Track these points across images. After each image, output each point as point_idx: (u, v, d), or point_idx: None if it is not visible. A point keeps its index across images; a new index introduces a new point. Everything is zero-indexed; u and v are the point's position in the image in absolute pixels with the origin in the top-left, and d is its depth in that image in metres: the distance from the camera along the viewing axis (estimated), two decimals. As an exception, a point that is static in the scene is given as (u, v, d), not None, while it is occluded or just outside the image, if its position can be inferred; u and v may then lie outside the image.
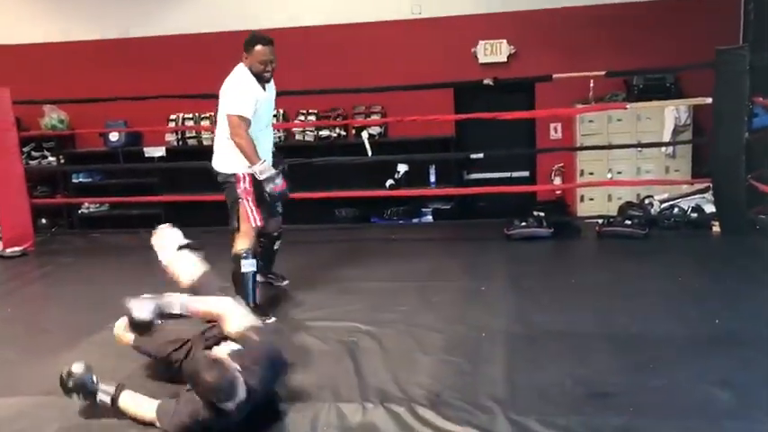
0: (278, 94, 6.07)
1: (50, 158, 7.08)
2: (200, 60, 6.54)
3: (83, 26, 6.98)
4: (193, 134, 6.83)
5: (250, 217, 3.70)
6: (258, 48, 3.60)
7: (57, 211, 7.07)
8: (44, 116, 6.93)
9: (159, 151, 6.81)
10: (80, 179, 7.06)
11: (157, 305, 2.72)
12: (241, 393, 2.41)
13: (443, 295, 4.03)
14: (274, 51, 3.64)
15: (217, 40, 6.57)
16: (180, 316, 2.77)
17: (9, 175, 5.28)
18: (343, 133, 6.74)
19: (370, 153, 6.53)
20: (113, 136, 6.88)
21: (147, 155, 6.83)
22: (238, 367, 2.43)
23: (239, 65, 3.67)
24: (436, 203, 6.77)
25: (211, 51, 6.55)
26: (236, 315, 2.69)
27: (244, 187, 3.68)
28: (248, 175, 3.65)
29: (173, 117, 6.84)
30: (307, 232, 5.74)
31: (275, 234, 4.15)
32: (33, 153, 7.09)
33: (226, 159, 3.72)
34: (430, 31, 6.66)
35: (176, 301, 2.76)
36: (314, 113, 6.71)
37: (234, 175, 3.69)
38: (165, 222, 3.33)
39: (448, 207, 6.72)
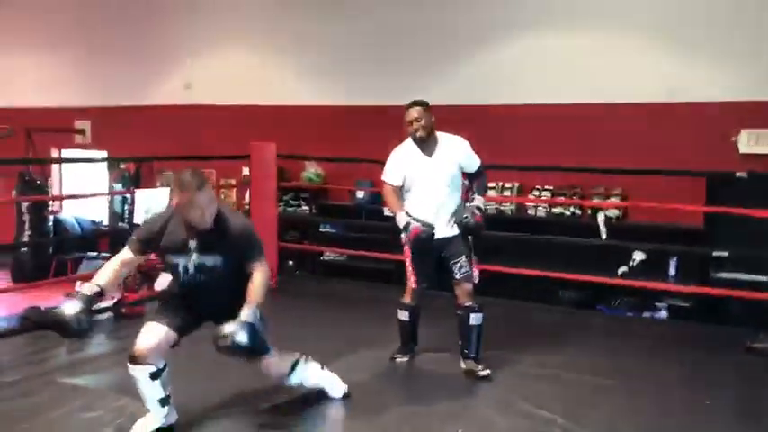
0: (514, 168, 6.18)
1: (304, 207, 7.84)
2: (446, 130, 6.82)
3: (345, 92, 7.72)
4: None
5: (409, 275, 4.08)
6: (406, 111, 3.91)
7: (302, 256, 7.77)
8: (305, 170, 7.74)
9: (397, 212, 7.16)
10: (326, 229, 7.71)
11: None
12: None
13: (654, 402, 3.67)
14: (421, 111, 3.88)
15: (453, 112, 6.85)
16: None
17: (264, 218, 5.95)
18: (577, 212, 6.54)
19: (604, 236, 6.25)
20: (360, 193, 7.43)
21: (385, 213, 7.24)
22: None
23: None
24: (674, 300, 6.20)
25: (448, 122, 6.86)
26: None
27: (405, 241, 3.96)
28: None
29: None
30: (524, 309, 5.62)
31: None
32: (291, 201, 7.92)
33: None
34: (685, 115, 6.25)
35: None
36: (549, 190, 6.63)
37: None
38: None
39: (687, 305, 6.12)
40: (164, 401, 3.12)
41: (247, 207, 6.81)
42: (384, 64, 7.52)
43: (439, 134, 3.98)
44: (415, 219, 3.85)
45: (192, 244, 3.06)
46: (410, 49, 7.38)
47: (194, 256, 3.08)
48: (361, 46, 7.65)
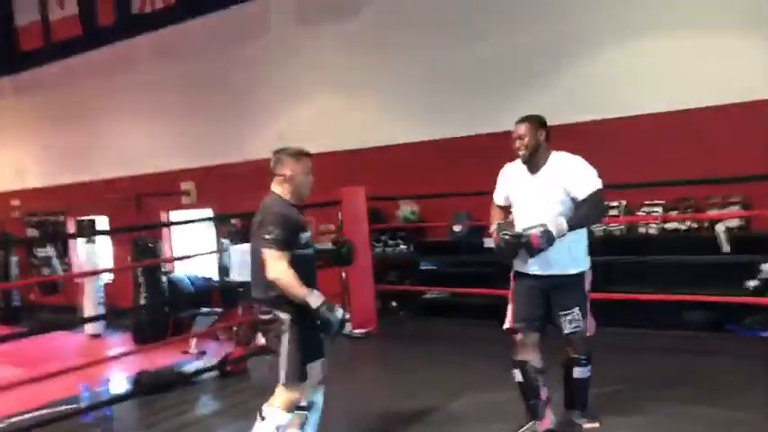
0: (620, 187, 5.75)
1: (402, 246, 7.72)
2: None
3: (431, 128, 7.59)
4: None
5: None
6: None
7: (404, 296, 7.62)
8: (399, 208, 7.64)
9: (496, 243, 6.90)
10: (427, 266, 7.54)
11: None
12: None
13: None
14: (525, 128, 3.55)
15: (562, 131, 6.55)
16: None
17: (360, 264, 5.87)
18: (693, 226, 6.03)
19: (726, 249, 5.72)
20: (456, 227, 7.23)
21: (485, 245, 6.99)
22: None
23: None
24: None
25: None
26: None
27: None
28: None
29: (513, 210, 6.91)
30: (646, 337, 5.20)
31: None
32: (389, 241, 7.82)
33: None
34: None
35: None
36: (660, 204, 6.16)
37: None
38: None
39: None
40: None
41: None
42: (469, 91, 7.35)
43: (554, 153, 3.56)
44: (503, 227, 3.50)
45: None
46: (497, 73, 7.17)
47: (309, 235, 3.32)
48: (441, 76, 7.54)
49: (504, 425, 3.70)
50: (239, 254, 5.41)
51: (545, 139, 3.56)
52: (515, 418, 3.67)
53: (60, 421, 4.41)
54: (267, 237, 3.13)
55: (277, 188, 3.40)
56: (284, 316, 3.18)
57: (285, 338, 3.16)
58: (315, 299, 3.10)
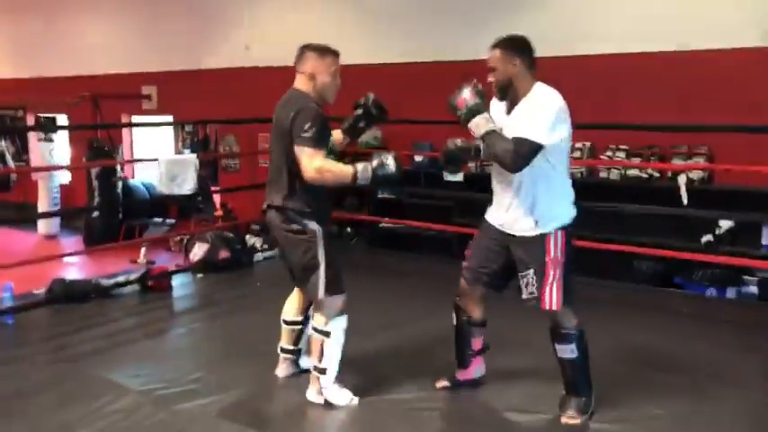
0: (585, 127, 5.53)
1: (362, 172, 7.46)
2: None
3: (404, 50, 7.21)
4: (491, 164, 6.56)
5: None
6: None
7: (360, 224, 7.44)
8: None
9: (458, 177, 6.69)
10: (384, 195, 7.33)
11: None
12: None
13: (715, 403, 3.14)
14: (497, 56, 2.95)
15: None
16: None
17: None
18: (656, 174, 5.84)
19: (685, 201, 5.56)
20: (418, 157, 6.99)
21: (445, 178, 6.79)
22: None
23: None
24: (766, 273, 5.46)
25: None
26: None
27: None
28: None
29: (476, 143, 6.68)
30: (596, 288, 5.09)
31: None
32: (350, 165, 7.56)
33: None
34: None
35: None
36: (624, 149, 5.95)
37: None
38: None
39: (782, 279, 5.37)
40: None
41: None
42: (441, 15, 6.96)
43: (536, 87, 2.93)
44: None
45: None
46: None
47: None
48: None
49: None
50: (167, 165, 5.14)
51: (526, 67, 2.92)
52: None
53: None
54: (304, 135, 2.90)
55: (302, 86, 3.15)
56: (314, 226, 3.03)
57: (320, 249, 3.03)
58: (363, 169, 2.97)
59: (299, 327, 3.45)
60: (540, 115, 2.84)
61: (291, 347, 3.48)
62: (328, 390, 3.17)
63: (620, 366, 3.63)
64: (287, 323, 3.47)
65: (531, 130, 2.81)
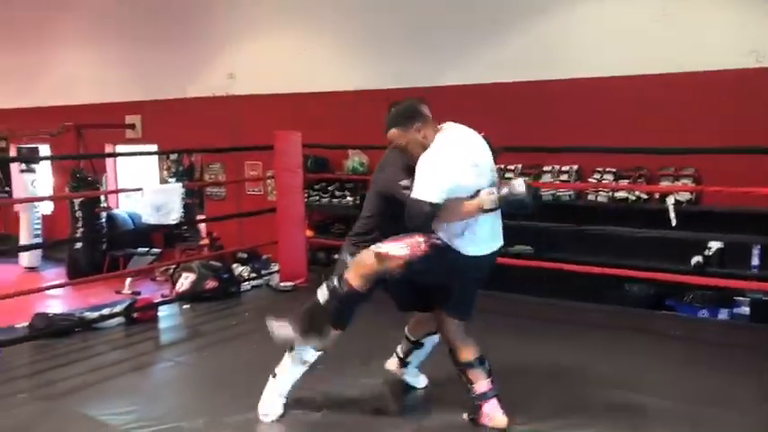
0: (572, 150, 5.51)
1: (349, 198, 7.42)
2: (489, 111, 6.32)
3: (384, 76, 7.20)
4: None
5: None
6: None
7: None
8: (348, 158, 7.32)
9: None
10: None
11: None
12: None
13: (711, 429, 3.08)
14: (394, 135, 3.01)
15: (504, 90, 6.35)
16: None
17: (292, 214, 5.58)
18: (644, 196, 5.84)
19: (674, 223, 5.54)
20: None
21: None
22: None
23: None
24: (758, 293, 5.44)
25: (499, 101, 6.38)
26: None
27: None
28: None
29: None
30: (587, 312, 5.04)
31: None
32: (337, 192, 7.52)
33: None
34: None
35: None
36: (612, 172, 5.95)
37: None
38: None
39: (773, 299, 5.35)
40: None
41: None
42: (426, 44, 6.97)
43: (436, 138, 2.95)
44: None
45: None
46: (458, 23, 6.78)
47: None
48: (401, 25, 7.13)
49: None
50: (152, 194, 5.05)
51: (419, 128, 2.95)
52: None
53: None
54: None
55: None
56: None
57: None
58: (489, 200, 2.86)
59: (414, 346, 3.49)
60: (422, 170, 2.87)
61: (401, 355, 3.54)
62: (269, 390, 3.27)
63: (612, 392, 3.56)
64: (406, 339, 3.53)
65: (416, 186, 2.84)
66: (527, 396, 3.46)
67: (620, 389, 3.59)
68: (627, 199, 5.84)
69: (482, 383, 3.10)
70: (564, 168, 6.13)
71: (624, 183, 5.84)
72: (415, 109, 2.99)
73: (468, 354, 3.13)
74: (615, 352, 4.24)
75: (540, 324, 4.93)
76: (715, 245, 5.54)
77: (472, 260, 2.98)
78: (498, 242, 3.09)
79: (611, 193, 5.91)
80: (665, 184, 5.74)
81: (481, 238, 2.97)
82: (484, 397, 3.10)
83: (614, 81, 5.98)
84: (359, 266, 2.95)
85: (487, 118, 6.39)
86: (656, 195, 5.76)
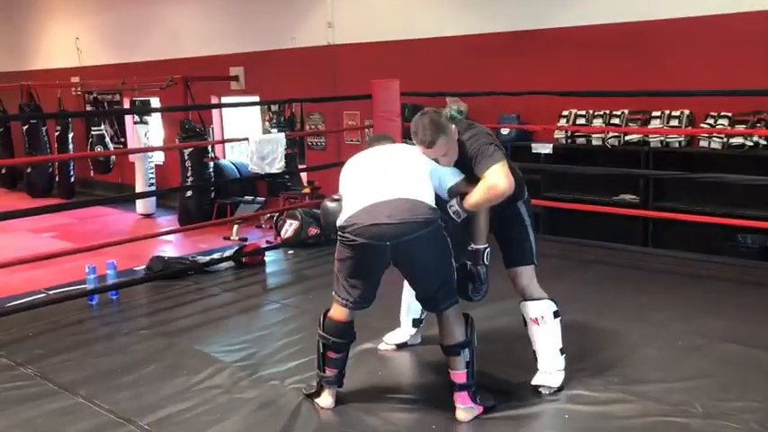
0: (684, 94, 5.23)
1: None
2: (593, 54, 6.08)
3: (481, 20, 7.03)
4: (581, 133, 6.34)
5: None
6: None
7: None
8: (447, 106, 7.22)
9: (547, 149, 6.51)
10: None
11: None
12: None
13: None
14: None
15: (608, 32, 6.03)
16: None
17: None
18: (762, 142, 5.47)
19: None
20: (504, 130, 6.82)
21: (534, 150, 6.61)
22: None
23: None
24: None
25: (602, 45, 6.12)
26: None
27: None
28: None
29: (564, 113, 6.45)
30: (698, 263, 4.86)
31: None
32: (434, 141, 7.46)
33: None
34: None
35: None
36: (726, 116, 5.59)
37: None
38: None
39: None
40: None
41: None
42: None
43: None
44: None
45: None
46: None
47: None
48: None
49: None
50: (257, 144, 5.19)
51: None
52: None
53: (67, 301, 4.46)
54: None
55: None
56: None
57: None
58: None
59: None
60: None
61: (418, 316, 3.61)
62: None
63: (726, 346, 3.44)
64: None
65: None
66: (633, 351, 3.39)
67: (735, 343, 3.46)
68: (743, 145, 5.50)
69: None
70: (674, 113, 5.82)
71: (741, 128, 5.48)
72: (440, 117, 3.13)
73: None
74: (729, 305, 4.07)
75: (647, 275, 4.80)
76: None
77: None
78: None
79: (726, 139, 5.58)
80: (783, 127, 5.35)
81: None
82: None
83: (732, 18, 5.58)
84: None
85: (594, 60, 6.24)
86: (776, 141, 5.39)
